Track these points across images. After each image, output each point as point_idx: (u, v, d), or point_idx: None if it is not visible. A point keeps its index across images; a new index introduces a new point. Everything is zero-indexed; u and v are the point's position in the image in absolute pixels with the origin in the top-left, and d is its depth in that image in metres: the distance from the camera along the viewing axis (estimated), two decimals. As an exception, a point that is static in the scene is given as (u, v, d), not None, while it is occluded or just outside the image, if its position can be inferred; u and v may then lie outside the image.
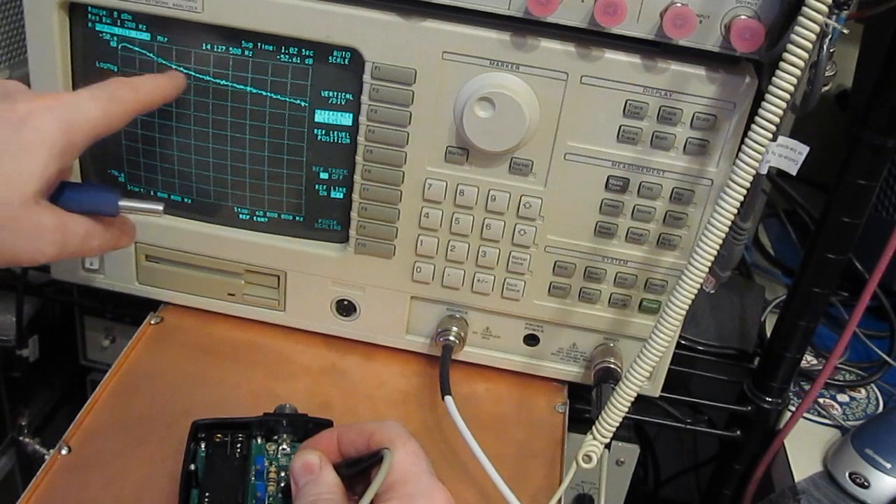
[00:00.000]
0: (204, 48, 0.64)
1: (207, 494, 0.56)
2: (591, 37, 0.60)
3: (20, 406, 0.90)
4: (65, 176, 0.55)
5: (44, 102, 0.52)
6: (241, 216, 0.71)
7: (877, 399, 0.83)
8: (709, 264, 0.55)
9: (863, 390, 0.84)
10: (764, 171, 0.54)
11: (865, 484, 0.71)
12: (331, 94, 0.65)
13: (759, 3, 0.56)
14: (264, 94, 0.65)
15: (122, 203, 0.58)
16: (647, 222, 0.66)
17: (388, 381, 0.73)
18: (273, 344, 0.75)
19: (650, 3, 0.58)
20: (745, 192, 0.53)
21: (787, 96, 0.50)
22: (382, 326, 0.74)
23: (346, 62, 0.63)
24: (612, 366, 0.70)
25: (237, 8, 0.62)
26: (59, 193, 0.54)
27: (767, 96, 0.50)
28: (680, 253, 0.67)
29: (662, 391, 0.74)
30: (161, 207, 0.59)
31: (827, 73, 0.52)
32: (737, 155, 0.53)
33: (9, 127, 0.50)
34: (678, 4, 0.57)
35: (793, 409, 0.76)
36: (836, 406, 0.81)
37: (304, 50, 0.63)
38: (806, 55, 0.49)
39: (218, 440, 0.60)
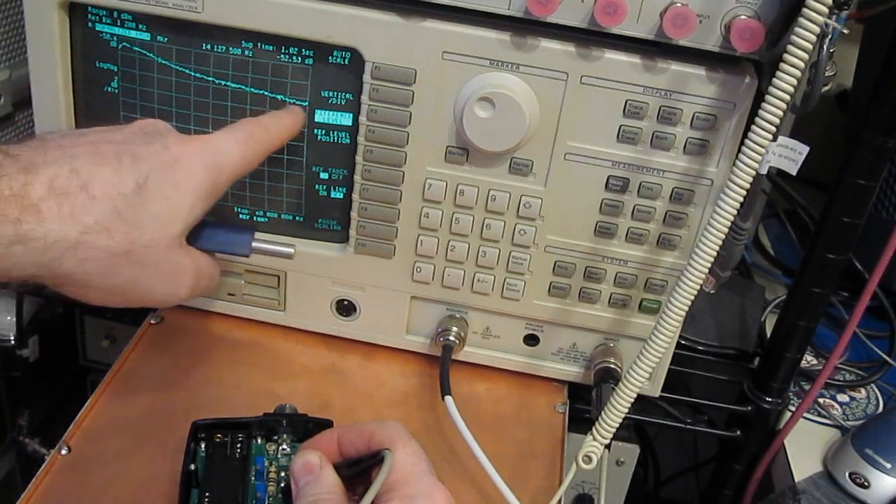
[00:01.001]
0: (204, 48, 0.64)
1: (207, 494, 0.56)
2: (591, 37, 0.60)
3: (20, 406, 0.90)
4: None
5: (193, 145, 0.53)
6: (240, 216, 0.71)
7: (877, 399, 0.83)
8: (709, 264, 0.55)
9: (863, 390, 0.84)
10: (764, 171, 0.54)
11: (865, 484, 0.71)
12: (331, 94, 0.65)
13: (759, 3, 0.56)
14: (264, 94, 0.65)
15: (256, 245, 0.59)
16: (647, 222, 0.66)
17: (388, 381, 0.73)
18: (273, 344, 0.75)
19: (650, 3, 0.58)
20: (745, 192, 0.53)
21: (787, 96, 0.50)
22: (382, 326, 0.74)
23: (346, 62, 0.63)
24: (612, 366, 0.70)
25: (237, 8, 0.62)
26: (196, 232, 0.55)
27: (767, 96, 0.50)
28: (680, 253, 0.67)
29: (662, 391, 0.74)
30: (293, 251, 0.61)
31: (827, 73, 0.52)
32: (737, 155, 0.53)
33: (162, 168, 0.51)
34: (678, 4, 0.57)
35: (793, 409, 0.76)
36: (836, 406, 0.81)
37: (304, 50, 0.63)
38: (806, 55, 0.49)
39: (218, 440, 0.60)
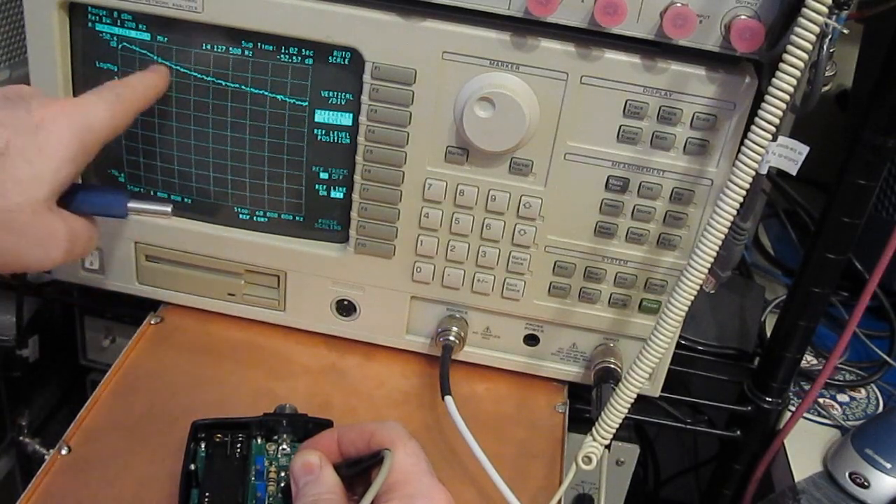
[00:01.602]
0: (204, 48, 0.64)
1: (207, 494, 0.56)
2: (591, 37, 0.60)
3: (20, 406, 0.90)
4: (75, 179, 0.55)
5: (58, 108, 0.52)
6: (241, 216, 0.71)
7: (877, 399, 0.83)
8: (709, 264, 0.55)
9: (863, 390, 0.84)
10: (764, 171, 0.54)
11: (865, 484, 0.71)
12: (331, 94, 0.65)
13: (759, 3, 0.56)
14: (264, 94, 0.65)
15: (131, 205, 0.58)
16: (647, 222, 0.66)
17: (388, 381, 0.73)
18: (273, 344, 0.75)
19: (650, 3, 0.58)
20: (745, 192, 0.53)
21: (787, 96, 0.50)
22: (382, 326, 0.74)
23: (346, 62, 0.63)
24: (612, 366, 0.70)
25: (237, 8, 0.62)
26: (69, 196, 0.54)
27: (767, 96, 0.51)
28: (680, 253, 0.67)
29: (662, 391, 0.74)
30: (169, 209, 0.60)
31: (827, 73, 0.52)
32: (737, 155, 0.53)
33: (25, 132, 0.51)
34: (678, 4, 0.57)
35: (793, 409, 0.76)
36: (836, 406, 0.81)
37: (304, 50, 0.63)
38: (806, 55, 0.49)
39: (218, 440, 0.60)
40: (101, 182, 0.70)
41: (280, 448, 0.60)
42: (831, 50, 0.51)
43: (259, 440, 0.60)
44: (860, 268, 0.85)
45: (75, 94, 0.67)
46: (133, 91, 0.58)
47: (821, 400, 0.81)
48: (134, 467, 0.61)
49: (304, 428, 0.60)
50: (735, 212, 0.53)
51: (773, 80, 0.50)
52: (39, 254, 0.52)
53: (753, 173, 0.52)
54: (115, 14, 0.64)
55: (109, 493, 0.59)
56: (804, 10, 0.48)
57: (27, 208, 0.50)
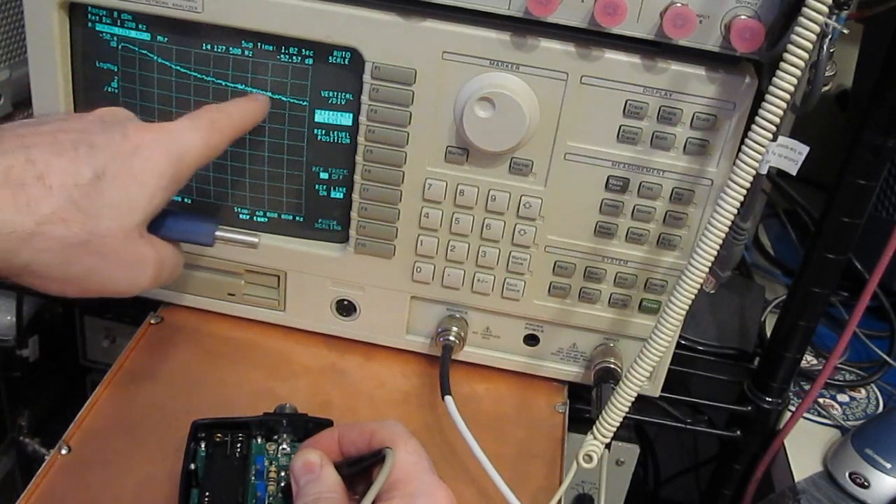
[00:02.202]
0: (204, 48, 0.64)
1: (207, 494, 0.56)
2: (591, 37, 0.60)
3: (20, 406, 0.90)
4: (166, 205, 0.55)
5: (153, 134, 0.53)
6: (241, 216, 0.71)
7: (877, 399, 0.83)
8: (709, 264, 0.55)
9: (863, 390, 0.84)
10: (764, 171, 0.54)
11: (865, 484, 0.71)
12: (331, 94, 0.65)
13: (759, 3, 0.56)
14: (264, 94, 0.65)
15: (219, 234, 0.58)
16: (647, 222, 0.66)
17: (388, 381, 0.73)
18: (273, 344, 0.75)
19: (650, 3, 0.58)
20: (745, 192, 0.53)
21: (787, 96, 0.50)
22: (382, 326, 0.74)
23: (346, 62, 0.63)
24: (612, 366, 0.70)
25: (237, 8, 0.62)
26: (158, 221, 0.54)
27: (767, 96, 0.51)
28: (680, 253, 0.67)
29: (662, 391, 0.74)
30: (257, 241, 0.60)
31: (827, 73, 0.52)
32: (737, 155, 0.53)
33: (120, 157, 0.51)
34: (678, 4, 0.57)
35: (793, 409, 0.76)
36: (836, 406, 0.81)
37: (304, 50, 0.63)
38: (806, 55, 0.49)
39: (218, 440, 0.60)
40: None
41: (280, 448, 0.60)
42: (831, 50, 0.51)
43: (259, 440, 0.60)
44: (860, 268, 0.85)
45: (75, 93, 0.67)
46: (229, 119, 0.58)
47: (821, 400, 0.81)
48: (134, 467, 0.61)
49: (304, 428, 0.60)
50: (735, 212, 0.53)
51: (773, 80, 0.50)
52: (128, 279, 0.53)
53: (753, 173, 0.52)
54: (115, 14, 0.64)
55: (109, 493, 0.59)
56: (804, 10, 0.48)
57: (119, 234, 0.50)
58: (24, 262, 0.48)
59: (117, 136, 0.51)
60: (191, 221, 0.58)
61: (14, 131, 0.49)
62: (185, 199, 0.70)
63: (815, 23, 0.48)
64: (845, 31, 0.50)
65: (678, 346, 0.75)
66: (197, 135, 0.55)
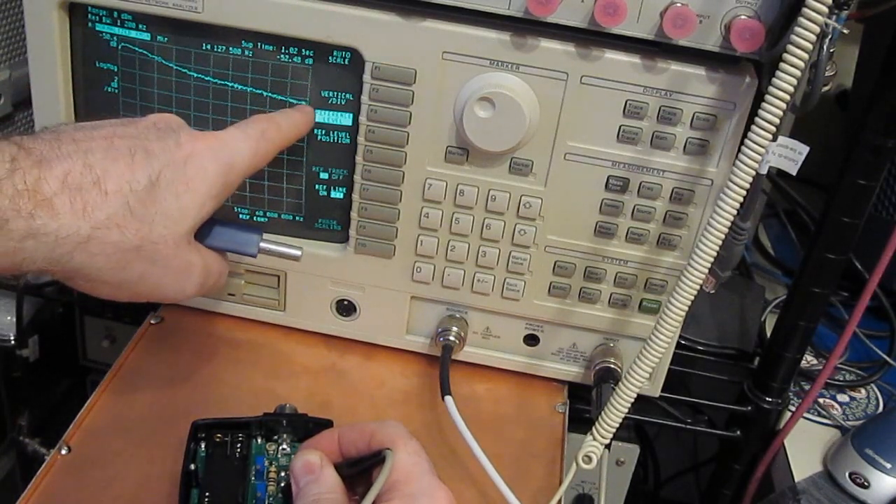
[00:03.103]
0: (204, 48, 0.64)
1: (207, 494, 0.56)
2: (591, 37, 0.60)
3: (20, 406, 0.90)
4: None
5: (205, 143, 0.53)
6: (241, 216, 0.71)
7: (877, 399, 0.83)
8: (709, 264, 0.55)
9: (863, 390, 0.84)
10: (764, 171, 0.54)
11: (865, 484, 0.71)
12: (331, 94, 0.65)
13: (759, 3, 0.56)
14: (264, 94, 0.65)
15: (263, 245, 0.59)
16: (647, 222, 0.66)
17: (388, 381, 0.73)
18: (273, 344, 0.75)
19: (650, 3, 0.58)
20: (745, 192, 0.53)
21: (787, 96, 0.50)
22: (382, 326, 0.74)
23: (346, 62, 0.63)
24: (612, 366, 0.70)
25: (237, 8, 0.62)
26: (205, 229, 0.55)
27: (767, 96, 0.51)
28: (680, 253, 0.67)
29: (662, 391, 0.74)
30: (300, 253, 0.61)
31: (827, 73, 0.52)
32: (737, 155, 0.53)
33: (174, 165, 0.51)
34: (678, 4, 0.57)
35: (793, 409, 0.76)
36: (836, 406, 0.81)
37: (304, 50, 0.63)
38: (806, 55, 0.49)
39: (218, 440, 0.60)
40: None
41: (280, 448, 0.60)
42: (831, 50, 0.51)
43: (259, 440, 0.60)
44: (860, 268, 0.85)
45: (75, 93, 0.67)
46: (277, 129, 0.58)
47: (821, 400, 0.81)
48: (134, 467, 0.61)
49: (304, 428, 0.60)
50: (735, 212, 0.53)
51: (773, 80, 0.50)
52: (175, 286, 0.53)
53: (753, 173, 0.52)
54: (115, 14, 0.64)
55: (109, 493, 0.59)
56: (804, 10, 0.48)
57: (170, 241, 0.51)
58: (77, 265, 0.48)
59: (171, 144, 0.52)
60: (237, 231, 0.59)
61: (71, 135, 0.49)
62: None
63: (815, 23, 0.48)
64: (845, 31, 0.50)
65: (678, 346, 0.75)
66: (246, 144, 0.55)
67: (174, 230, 0.51)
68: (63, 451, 0.61)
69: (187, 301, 0.75)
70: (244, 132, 0.56)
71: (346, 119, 0.65)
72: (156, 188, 0.50)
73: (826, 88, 0.53)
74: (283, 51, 0.63)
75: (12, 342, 0.84)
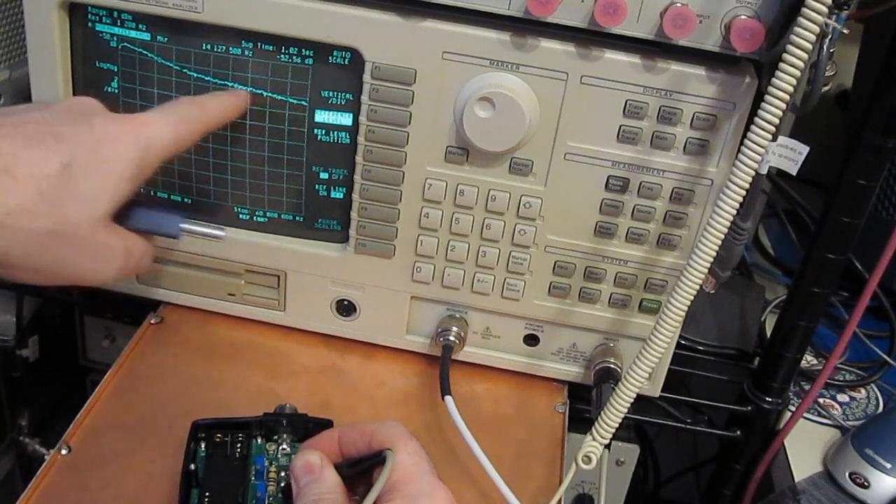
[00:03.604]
0: (204, 48, 0.64)
1: (207, 494, 0.56)
2: (591, 37, 0.60)
3: (20, 406, 0.90)
4: (132, 195, 0.55)
5: (120, 125, 0.53)
6: (241, 216, 0.71)
7: (877, 399, 0.83)
8: (709, 264, 0.55)
9: (863, 390, 0.84)
10: (764, 171, 0.54)
11: (865, 484, 0.71)
12: (331, 94, 0.65)
13: (759, 3, 0.56)
14: (264, 94, 0.65)
15: (184, 226, 0.58)
16: (647, 222, 0.66)
17: (388, 381, 0.73)
18: (273, 344, 0.75)
19: (650, 3, 0.58)
20: (745, 192, 0.53)
21: (787, 96, 0.50)
22: (382, 326, 0.74)
23: (346, 62, 0.63)
24: (612, 366, 0.70)
25: (237, 8, 0.62)
26: (125, 212, 0.55)
27: (767, 96, 0.50)
28: (680, 253, 0.67)
29: (662, 391, 0.74)
30: (223, 234, 0.61)
31: (827, 73, 0.52)
32: (737, 155, 0.53)
33: (87, 148, 0.51)
34: (678, 4, 0.57)
35: (793, 409, 0.76)
36: (836, 406, 0.81)
37: (304, 50, 0.63)
38: (806, 55, 0.49)
39: (218, 440, 0.60)
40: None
41: (280, 448, 0.60)
42: (831, 50, 0.51)
43: (259, 440, 0.60)
44: (860, 268, 0.85)
45: (75, 94, 0.67)
46: (202, 112, 0.58)
47: (821, 400, 0.81)
48: (134, 467, 0.61)
49: (305, 428, 0.60)
50: (735, 212, 0.53)
51: (773, 80, 0.50)
52: (95, 268, 0.53)
53: (753, 173, 0.52)
54: (115, 14, 0.64)
55: (109, 493, 0.59)
56: (804, 10, 0.48)
57: (86, 224, 0.51)
58: None
59: (84, 127, 0.51)
60: (157, 213, 0.58)
61: None
62: (185, 199, 0.70)
63: (815, 23, 0.48)
64: (845, 31, 0.50)
65: (678, 346, 0.75)
66: (166, 127, 0.55)
67: (89, 213, 0.51)
68: (63, 451, 0.61)
69: (185, 301, 0.75)
70: (164, 114, 0.56)
71: (346, 119, 0.65)
72: (68, 172, 0.49)
73: (826, 88, 0.54)
74: (283, 51, 0.63)
75: (12, 342, 0.84)
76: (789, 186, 0.96)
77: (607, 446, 0.61)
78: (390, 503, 0.49)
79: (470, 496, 0.63)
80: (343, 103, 0.65)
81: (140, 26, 0.64)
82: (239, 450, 0.59)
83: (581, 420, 0.73)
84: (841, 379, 0.84)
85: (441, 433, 0.68)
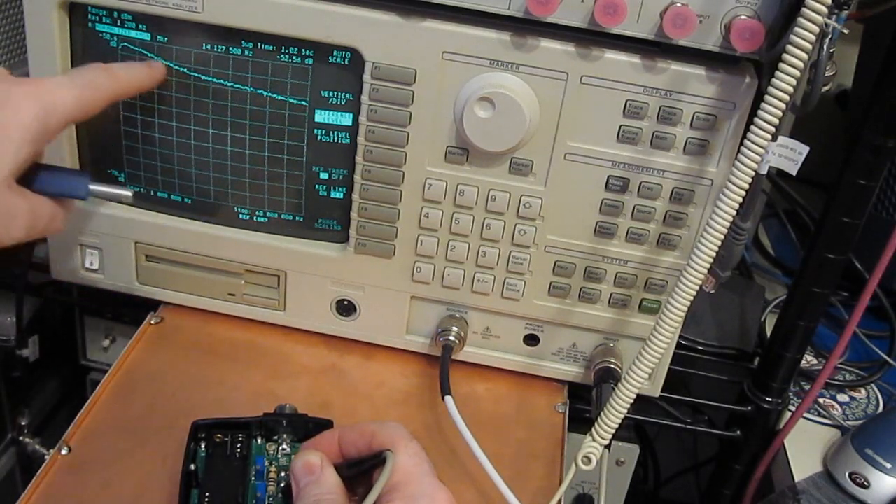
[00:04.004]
0: (204, 48, 0.64)
1: (207, 494, 0.56)
2: (591, 37, 0.60)
3: (20, 406, 0.90)
4: (37, 158, 0.55)
5: (22, 89, 0.53)
6: (241, 216, 0.71)
7: (877, 399, 0.83)
8: (709, 264, 0.55)
9: (863, 390, 0.84)
10: (764, 171, 0.54)
11: (865, 484, 0.71)
12: (331, 94, 0.65)
13: (759, 3, 0.56)
14: (264, 94, 0.65)
15: (93, 187, 0.58)
16: (647, 222, 0.66)
17: (388, 381, 0.73)
18: (273, 344, 0.75)
19: (650, 3, 0.58)
20: (744, 192, 0.53)
21: (787, 96, 0.50)
22: (382, 326, 0.74)
23: (346, 62, 0.63)
24: (612, 366, 0.70)
25: (237, 8, 0.62)
26: (31, 176, 0.55)
27: (767, 96, 0.50)
28: (680, 253, 0.67)
29: (662, 391, 0.74)
30: (130, 193, 0.61)
31: (827, 73, 0.52)
32: (737, 155, 0.53)
33: None
34: (678, 4, 0.57)
35: (793, 409, 0.76)
36: (836, 406, 0.81)
37: (304, 50, 0.63)
38: (806, 55, 0.49)
39: (218, 440, 0.60)
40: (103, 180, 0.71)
41: (280, 448, 0.60)
42: (831, 50, 0.51)
43: (259, 440, 0.60)
44: (860, 268, 0.85)
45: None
46: (112, 79, 0.58)
47: (821, 400, 0.81)
48: (134, 467, 0.61)
49: (305, 428, 0.60)
50: (735, 212, 0.53)
51: (773, 80, 0.50)
52: (0, 231, 0.53)
53: (753, 173, 0.52)
54: (115, 14, 0.64)
55: (109, 493, 0.59)
56: (804, 10, 0.48)
57: None
58: None
59: None
60: (65, 175, 0.58)
61: None
62: (185, 199, 0.70)
63: (815, 23, 0.48)
64: (845, 31, 0.50)
65: (678, 346, 0.75)
66: (70, 91, 0.55)
67: None
68: (63, 451, 0.61)
69: (185, 301, 0.75)
70: (70, 79, 0.56)
71: (346, 119, 0.65)
72: None
73: (826, 88, 0.54)
74: (283, 51, 0.63)
75: (12, 342, 0.84)
76: (789, 186, 0.96)
77: (607, 446, 0.61)
78: (390, 504, 0.49)
79: (470, 496, 0.63)
80: (343, 103, 0.65)
81: (140, 26, 0.64)
82: (239, 450, 0.59)
83: (581, 420, 0.73)
84: (841, 379, 0.84)
85: (441, 433, 0.68)
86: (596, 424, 0.60)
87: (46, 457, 0.61)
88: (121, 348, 0.72)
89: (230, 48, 0.64)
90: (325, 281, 0.72)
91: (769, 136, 0.51)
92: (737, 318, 0.85)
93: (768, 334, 0.78)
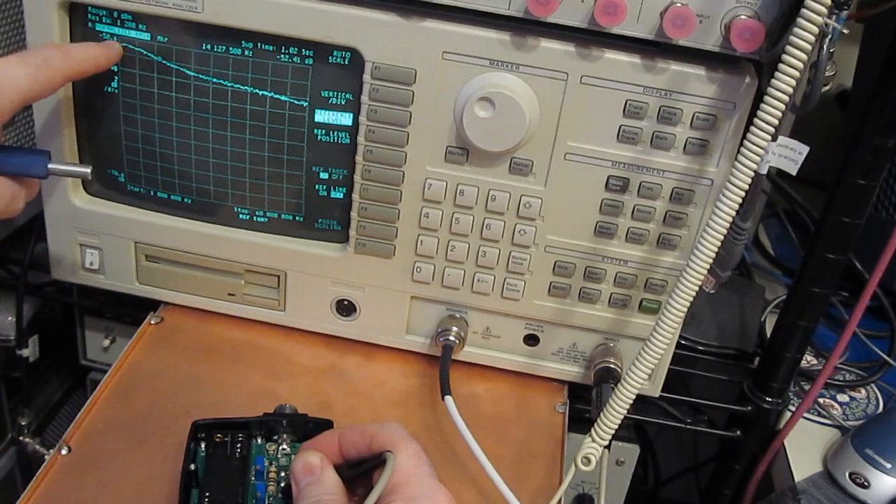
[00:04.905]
0: (204, 48, 0.64)
1: (207, 494, 0.56)
2: (591, 37, 0.60)
3: (20, 406, 0.90)
4: None
5: None
6: (241, 216, 0.71)
7: (877, 399, 0.83)
8: (709, 264, 0.55)
9: (863, 390, 0.84)
10: (764, 171, 0.54)
11: (865, 484, 0.71)
12: (331, 94, 0.65)
13: (759, 3, 0.56)
14: (264, 94, 0.65)
15: (52, 166, 0.58)
16: (647, 222, 0.66)
17: (388, 381, 0.73)
18: (273, 344, 0.75)
19: (650, 3, 0.58)
20: (744, 192, 0.53)
21: (787, 96, 0.50)
22: (382, 326, 0.74)
23: (346, 62, 0.63)
24: (612, 366, 0.70)
25: (237, 8, 0.62)
26: None
27: (767, 96, 0.51)
28: (680, 253, 0.67)
29: (662, 391, 0.74)
30: (88, 170, 0.60)
31: (827, 73, 0.52)
32: (737, 155, 0.53)
33: None
34: (678, 4, 0.57)
35: (793, 409, 0.76)
36: (836, 406, 0.81)
37: (304, 50, 0.63)
38: (805, 55, 0.49)
39: (218, 440, 0.60)
40: (100, 179, 0.71)
41: (280, 448, 0.60)
42: (831, 50, 0.51)
43: (259, 440, 0.60)
44: (860, 268, 0.85)
45: (75, 93, 0.67)
46: (66, 59, 0.58)
47: (821, 400, 0.81)
48: (134, 467, 0.61)
49: (304, 428, 0.60)
50: (735, 212, 0.53)
51: (773, 80, 0.50)
52: None
53: (753, 173, 0.52)
54: (115, 14, 0.64)
55: (109, 493, 0.59)
56: (804, 10, 0.48)
57: None
58: None
59: None
60: (23, 155, 0.58)
61: None
62: (185, 199, 0.70)
63: (815, 23, 0.48)
64: (845, 31, 0.50)
65: (678, 346, 0.75)
66: (23, 70, 0.55)
67: None
68: (63, 451, 0.61)
69: (185, 301, 0.75)
70: (22, 58, 0.55)
71: (346, 119, 0.65)
72: None
73: (826, 88, 0.54)
74: (283, 51, 0.63)
75: (12, 342, 0.84)
76: (789, 186, 0.96)
77: (607, 446, 0.61)
78: (390, 504, 0.49)
79: (470, 496, 0.63)
80: (343, 103, 0.65)
81: (140, 26, 0.64)
82: (239, 450, 0.59)
83: (581, 420, 0.73)
84: (841, 379, 0.84)
85: (441, 433, 0.68)
86: (596, 424, 0.60)
87: (46, 457, 0.61)
88: (121, 348, 0.72)
89: (230, 48, 0.64)
90: (326, 281, 0.72)
91: (769, 136, 0.51)
92: (737, 318, 0.85)
93: (768, 334, 0.78)
